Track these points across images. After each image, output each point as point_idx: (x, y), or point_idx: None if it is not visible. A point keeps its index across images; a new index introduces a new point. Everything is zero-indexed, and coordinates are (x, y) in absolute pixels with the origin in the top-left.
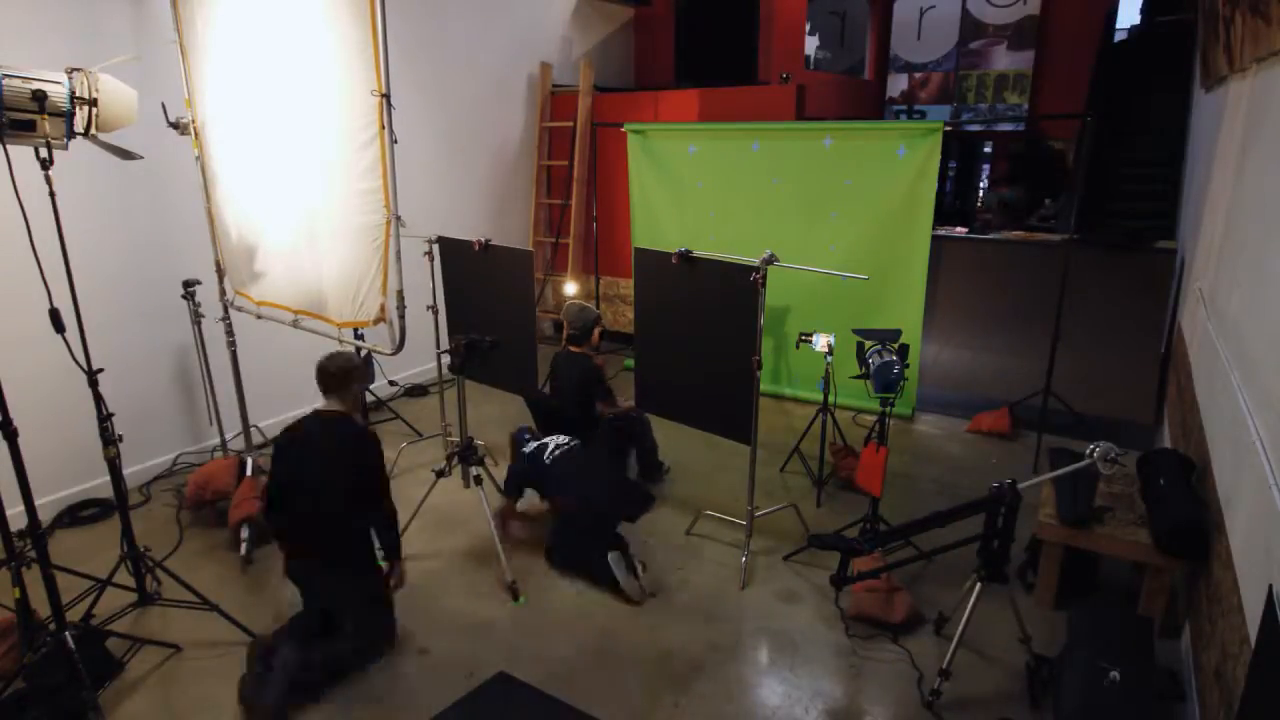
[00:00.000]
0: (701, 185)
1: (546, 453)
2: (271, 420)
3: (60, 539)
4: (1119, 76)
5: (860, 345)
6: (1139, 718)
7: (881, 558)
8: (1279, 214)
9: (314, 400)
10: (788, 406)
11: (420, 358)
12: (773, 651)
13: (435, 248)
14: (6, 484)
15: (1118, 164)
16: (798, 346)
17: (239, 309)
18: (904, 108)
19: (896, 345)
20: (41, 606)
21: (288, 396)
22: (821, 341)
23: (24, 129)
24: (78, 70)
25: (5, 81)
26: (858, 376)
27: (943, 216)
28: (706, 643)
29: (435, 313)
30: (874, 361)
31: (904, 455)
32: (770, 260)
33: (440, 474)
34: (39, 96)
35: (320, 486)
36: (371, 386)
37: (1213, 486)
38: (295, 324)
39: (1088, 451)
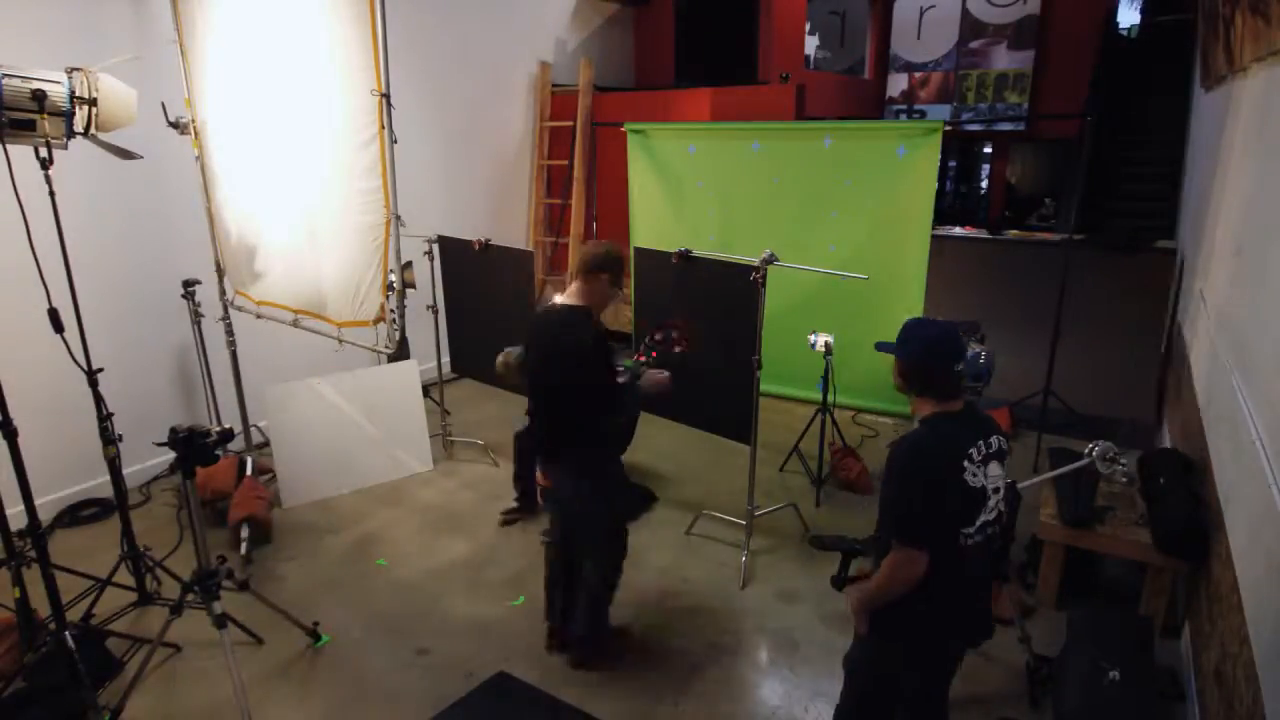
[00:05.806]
0: (701, 185)
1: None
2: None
3: (60, 539)
4: (1119, 76)
5: None
6: (1139, 718)
7: None
8: (1279, 214)
9: None
10: (787, 406)
11: (420, 358)
12: (773, 651)
13: (435, 247)
14: (6, 484)
15: (1118, 164)
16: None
17: (239, 309)
18: (904, 107)
19: (980, 335)
20: (41, 606)
21: None
22: (821, 341)
23: (24, 128)
24: (78, 70)
25: (5, 81)
26: None
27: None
28: (706, 643)
29: (435, 312)
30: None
31: None
32: (770, 260)
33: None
34: (39, 96)
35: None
36: None
37: (1213, 486)
38: (295, 324)
39: (1087, 451)
